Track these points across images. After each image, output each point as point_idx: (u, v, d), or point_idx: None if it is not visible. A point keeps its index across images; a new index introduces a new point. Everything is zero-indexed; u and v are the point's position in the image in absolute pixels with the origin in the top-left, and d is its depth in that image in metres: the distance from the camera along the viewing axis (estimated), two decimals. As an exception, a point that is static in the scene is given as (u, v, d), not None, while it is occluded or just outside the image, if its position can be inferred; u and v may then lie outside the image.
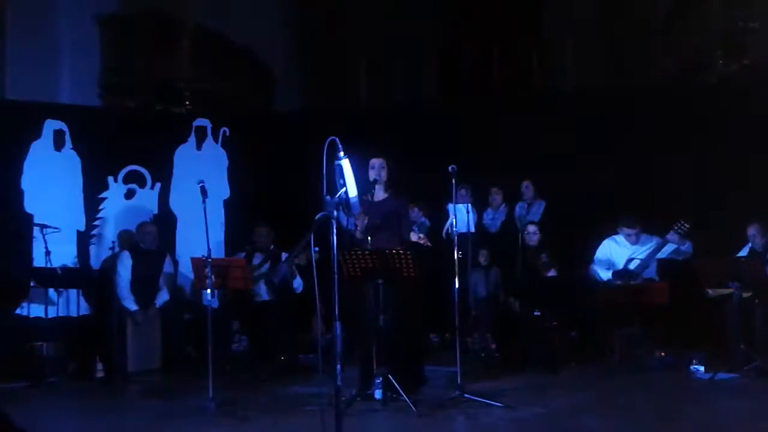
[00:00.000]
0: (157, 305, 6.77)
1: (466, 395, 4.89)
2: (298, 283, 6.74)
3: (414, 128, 8.40)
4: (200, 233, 5.17)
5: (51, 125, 7.50)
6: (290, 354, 6.80)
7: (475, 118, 8.53)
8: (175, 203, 8.02)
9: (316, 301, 3.68)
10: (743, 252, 6.28)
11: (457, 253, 5.30)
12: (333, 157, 3.96)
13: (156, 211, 7.90)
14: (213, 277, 5.11)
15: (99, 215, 7.65)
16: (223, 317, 6.34)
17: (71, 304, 7.08)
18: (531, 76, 12.68)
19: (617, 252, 6.59)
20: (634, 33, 12.06)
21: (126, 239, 7.30)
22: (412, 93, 12.77)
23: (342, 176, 4.15)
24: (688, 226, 6.19)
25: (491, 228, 7.96)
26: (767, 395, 5.13)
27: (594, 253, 6.72)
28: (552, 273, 6.83)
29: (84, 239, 7.54)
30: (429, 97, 12.61)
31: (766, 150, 7.06)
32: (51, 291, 6.74)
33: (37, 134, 7.45)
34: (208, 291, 5.16)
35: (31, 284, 6.80)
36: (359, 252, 4.83)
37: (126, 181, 7.82)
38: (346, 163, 4.14)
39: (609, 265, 6.58)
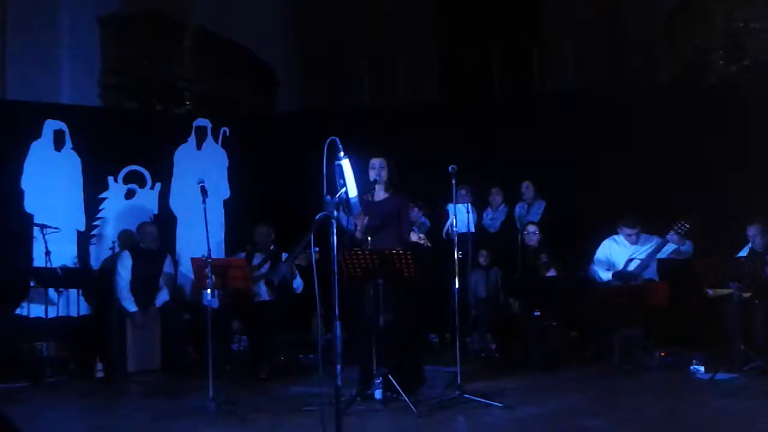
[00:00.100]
0: (157, 305, 6.77)
1: (466, 395, 4.89)
2: (298, 283, 6.74)
3: (414, 128, 8.40)
4: (200, 233, 5.18)
5: (51, 125, 7.50)
6: (290, 354, 6.80)
7: (475, 118, 8.54)
8: (175, 203, 8.01)
9: (316, 301, 3.68)
10: (743, 252, 6.28)
11: (457, 254, 5.30)
12: (333, 157, 3.96)
13: (156, 211, 7.89)
14: (213, 277, 5.11)
15: (99, 215, 7.64)
16: (223, 317, 6.34)
17: (71, 304, 7.08)
18: (531, 76, 12.70)
19: (617, 252, 6.59)
20: (634, 33, 12.08)
21: (126, 239, 7.30)
22: (413, 93, 12.79)
23: (342, 176, 4.14)
24: (688, 226, 6.19)
25: (491, 228, 7.96)
26: (767, 395, 5.12)
27: (594, 253, 6.72)
28: (552, 273, 6.83)
29: (84, 239, 7.54)
30: (429, 96, 12.63)
31: (766, 150, 7.06)
32: (51, 291, 6.73)
33: (37, 134, 7.44)
34: (208, 291, 5.16)
35: (31, 284, 6.80)
36: (359, 252, 4.83)
37: (126, 181, 7.82)
38: (346, 163, 4.14)
39: (609, 265, 6.58)
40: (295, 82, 12.65)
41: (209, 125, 8.33)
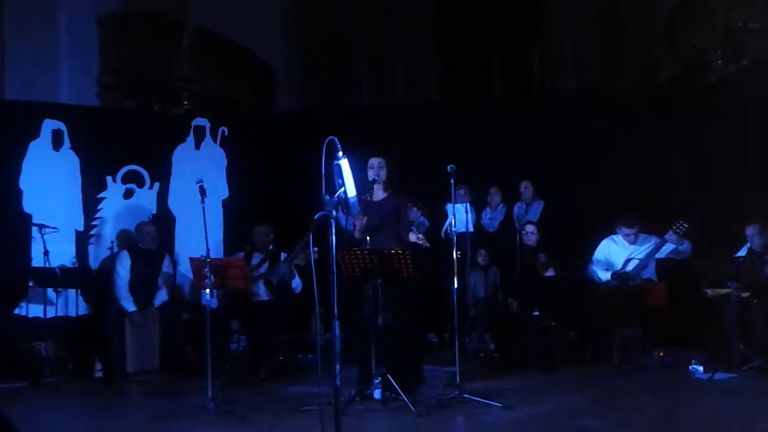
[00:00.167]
0: (156, 305, 6.76)
1: (464, 395, 4.89)
2: (297, 283, 6.73)
3: (413, 128, 8.39)
4: (199, 233, 5.18)
5: (49, 125, 7.49)
6: (289, 354, 6.80)
7: (474, 118, 8.53)
8: (173, 203, 8.01)
9: (315, 301, 3.68)
10: (742, 252, 6.27)
11: (456, 253, 5.30)
12: (332, 156, 3.95)
13: (155, 211, 7.89)
14: (212, 276, 5.11)
15: (97, 215, 7.64)
16: (221, 317, 6.33)
17: (70, 304, 7.08)
18: (531, 76, 12.71)
19: (616, 252, 6.59)
20: (634, 33, 12.08)
21: (125, 239, 7.30)
22: (413, 93, 12.80)
23: (341, 176, 4.14)
24: (686, 226, 6.19)
25: (490, 228, 7.96)
26: (766, 395, 5.12)
27: (592, 253, 6.72)
28: (550, 273, 6.83)
29: (82, 239, 7.54)
30: (429, 96, 12.63)
31: (766, 150, 7.06)
32: (50, 291, 6.73)
33: (36, 134, 7.43)
34: (207, 291, 5.15)
35: (30, 284, 6.80)
36: (358, 252, 4.83)
37: (125, 180, 7.81)
38: (344, 163, 4.14)
39: (607, 265, 6.58)
40: (295, 82, 12.64)
41: (208, 125, 8.33)
